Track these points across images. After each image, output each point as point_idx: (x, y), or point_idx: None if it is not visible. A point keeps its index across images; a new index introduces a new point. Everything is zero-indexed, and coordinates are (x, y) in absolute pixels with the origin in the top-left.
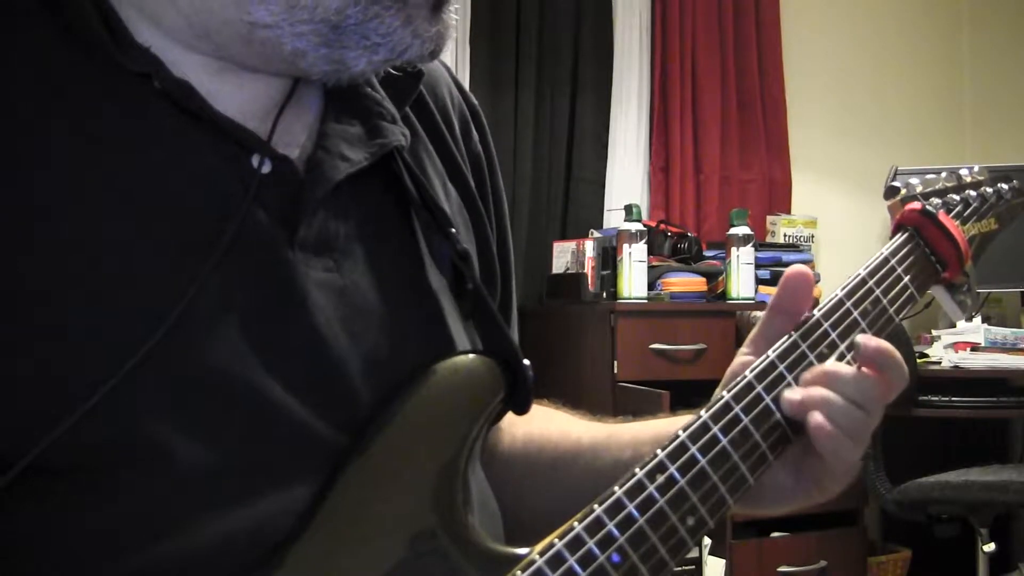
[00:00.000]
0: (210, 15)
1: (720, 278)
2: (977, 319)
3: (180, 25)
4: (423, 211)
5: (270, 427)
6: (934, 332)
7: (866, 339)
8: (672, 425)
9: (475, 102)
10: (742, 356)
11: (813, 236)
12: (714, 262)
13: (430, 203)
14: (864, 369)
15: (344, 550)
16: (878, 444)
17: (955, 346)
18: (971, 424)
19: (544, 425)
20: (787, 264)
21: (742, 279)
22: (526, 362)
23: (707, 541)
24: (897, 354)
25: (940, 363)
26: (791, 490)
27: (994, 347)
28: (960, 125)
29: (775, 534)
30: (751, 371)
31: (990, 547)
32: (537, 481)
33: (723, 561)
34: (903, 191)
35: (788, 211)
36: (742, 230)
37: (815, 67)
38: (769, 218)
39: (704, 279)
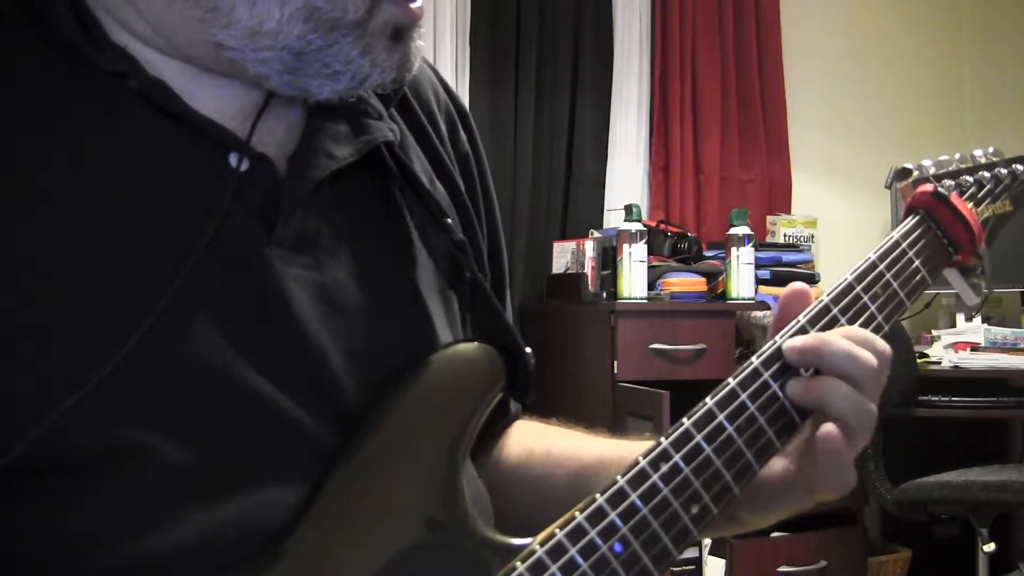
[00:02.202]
0: (175, 31)
1: (720, 278)
2: (977, 319)
3: (149, 35)
4: (416, 204)
5: (253, 422)
6: (934, 332)
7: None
8: None
9: (462, 102)
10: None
11: (813, 236)
12: (714, 262)
13: (424, 195)
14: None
15: (342, 540)
16: (878, 444)
17: (955, 346)
18: (971, 424)
19: (561, 440)
20: (787, 264)
21: (742, 279)
22: (527, 350)
23: (707, 541)
24: (828, 343)
25: (940, 363)
26: (784, 494)
27: (994, 347)
28: (960, 125)
29: (775, 534)
30: (757, 357)
31: (990, 547)
32: (556, 493)
33: (723, 561)
34: (915, 173)
35: (788, 211)
36: (742, 230)
37: (815, 67)
38: (769, 218)
39: (704, 279)
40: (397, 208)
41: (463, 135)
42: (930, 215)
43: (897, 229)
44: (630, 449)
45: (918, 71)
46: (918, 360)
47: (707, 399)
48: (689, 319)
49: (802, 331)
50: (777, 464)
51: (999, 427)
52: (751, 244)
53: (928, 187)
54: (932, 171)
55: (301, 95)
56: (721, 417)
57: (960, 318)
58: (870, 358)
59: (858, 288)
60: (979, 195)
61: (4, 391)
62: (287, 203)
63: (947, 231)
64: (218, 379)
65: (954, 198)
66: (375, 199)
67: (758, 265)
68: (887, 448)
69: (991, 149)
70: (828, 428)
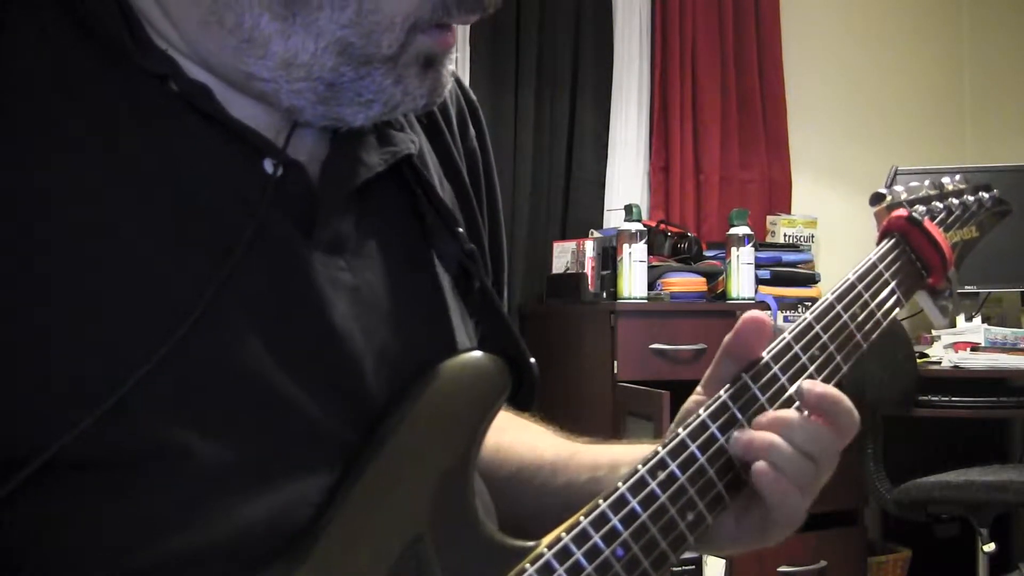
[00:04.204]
0: (209, 53)
1: (720, 278)
2: (977, 319)
3: (185, 48)
4: (431, 212)
5: (286, 423)
6: (934, 332)
7: (810, 385)
8: (632, 453)
9: (473, 97)
10: (696, 396)
11: (813, 236)
12: (714, 262)
13: (438, 204)
14: (812, 417)
15: (361, 543)
16: (878, 444)
17: (955, 346)
18: (971, 424)
19: (515, 437)
20: (787, 264)
21: (742, 279)
22: (531, 360)
23: None
24: (844, 400)
25: (940, 363)
26: (734, 535)
27: (994, 347)
28: (960, 125)
29: None
30: (747, 374)
31: (990, 547)
32: (497, 491)
33: (723, 561)
34: (889, 198)
35: (788, 211)
36: (742, 230)
37: (815, 67)
38: (769, 218)
39: (704, 279)
40: (411, 215)
41: (472, 130)
42: (905, 239)
43: (874, 251)
44: (574, 451)
45: (918, 71)
46: (918, 360)
47: (700, 410)
48: (689, 319)
49: (787, 347)
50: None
51: (999, 427)
52: (751, 244)
53: (903, 212)
54: (904, 196)
55: (335, 124)
56: (713, 428)
57: (960, 318)
58: (833, 446)
59: (839, 307)
60: (948, 221)
61: (43, 387)
62: (325, 207)
63: (921, 255)
64: (254, 380)
65: (928, 223)
66: (393, 205)
67: (758, 265)
68: (887, 448)
69: (957, 177)
70: (762, 469)
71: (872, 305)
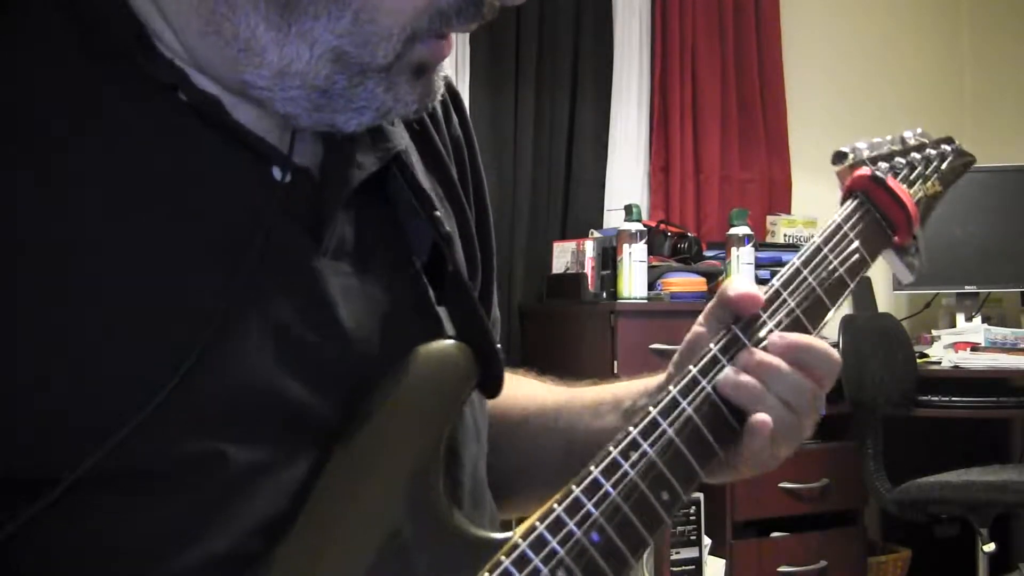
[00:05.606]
0: (208, 63)
1: (720, 278)
2: (977, 319)
3: (186, 57)
4: (405, 193)
5: (303, 429)
6: (934, 332)
7: (778, 338)
8: (631, 388)
9: (453, 84)
10: (697, 328)
11: (813, 236)
12: (714, 262)
13: (414, 187)
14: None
15: (329, 543)
16: (878, 444)
17: (955, 346)
18: (971, 424)
19: (514, 390)
20: (787, 264)
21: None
22: (498, 346)
23: (707, 541)
24: (815, 344)
25: (940, 363)
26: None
27: (994, 347)
28: (960, 125)
29: (775, 534)
30: (715, 343)
31: (990, 547)
32: (510, 442)
33: (723, 561)
34: (851, 156)
35: (788, 211)
36: (742, 230)
37: (815, 67)
38: (769, 218)
39: (704, 279)
40: (387, 202)
41: (455, 118)
42: (868, 198)
43: (838, 212)
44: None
45: (918, 72)
46: (918, 360)
47: (670, 386)
48: (689, 319)
49: (755, 317)
50: None
51: (999, 427)
52: (751, 244)
53: (866, 171)
54: (867, 154)
55: (329, 130)
56: (684, 404)
57: (960, 318)
58: (813, 392)
59: (805, 271)
60: (911, 177)
61: (74, 402)
62: (329, 212)
63: (885, 213)
64: (275, 391)
65: (891, 181)
66: (382, 200)
67: (758, 265)
68: (887, 448)
69: (919, 130)
70: (762, 421)
71: (840, 268)
